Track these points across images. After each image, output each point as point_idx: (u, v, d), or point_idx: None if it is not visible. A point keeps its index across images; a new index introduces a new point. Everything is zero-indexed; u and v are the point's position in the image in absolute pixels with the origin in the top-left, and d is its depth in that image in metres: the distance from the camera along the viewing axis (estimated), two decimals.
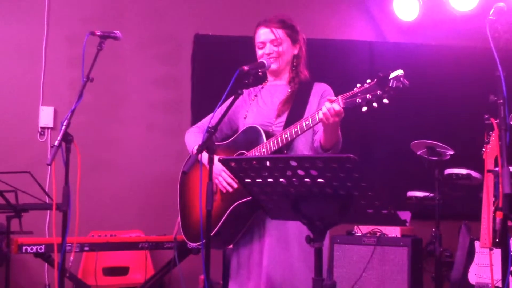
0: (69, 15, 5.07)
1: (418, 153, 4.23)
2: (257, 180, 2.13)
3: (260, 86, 3.00)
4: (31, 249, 3.58)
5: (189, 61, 5.25)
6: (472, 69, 4.95)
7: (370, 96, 2.36)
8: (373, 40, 5.47)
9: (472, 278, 3.83)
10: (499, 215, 2.49)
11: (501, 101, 2.42)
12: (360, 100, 2.39)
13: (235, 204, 2.75)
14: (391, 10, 5.37)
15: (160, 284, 4.38)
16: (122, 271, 4.78)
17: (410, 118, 5.05)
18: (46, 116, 4.93)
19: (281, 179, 2.08)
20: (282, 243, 2.75)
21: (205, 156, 2.63)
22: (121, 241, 3.98)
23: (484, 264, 3.76)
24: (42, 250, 3.60)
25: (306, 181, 2.03)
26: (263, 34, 2.88)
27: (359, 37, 5.49)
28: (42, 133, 4.94)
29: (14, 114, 4.92)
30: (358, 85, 2.42)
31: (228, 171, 2.61)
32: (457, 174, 4.24)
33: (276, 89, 2.94)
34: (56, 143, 2.68)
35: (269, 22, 2.89)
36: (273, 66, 2.87)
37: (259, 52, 2.90)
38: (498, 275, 3.02)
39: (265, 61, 2.82)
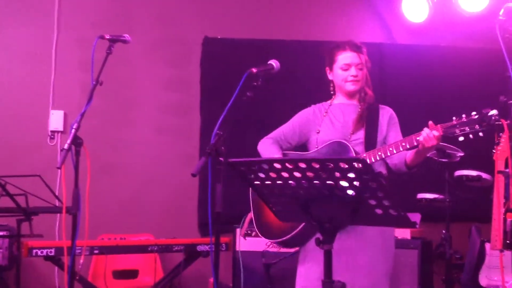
0: (79, 19, 5.09)
1: (428, 155, 4.20)
2: (266, 182, 2.13)
3: (328, 103, 3.12)
4: (41, 252, 3.60)
5: (198, 64, 5.26)
6: (482, 70, 4.92)
7: (468, 129, 2.59)
8: (382, 42, 5.46)
9: (483, 280, 3.81)
10: (510, 217, 2.48)
11: (511, 102, 2.40)
12: (458, 132, 2.62)
13: None
14: (400, 12, 5.35)
15: (169, 286, 4.38)
16: (131, 274, 4.79)
17: (419, 120, 5.00)
18: (56, 119, 4.95)
19: (290, 181, 2.08)
20: (360, 242, 2.82)
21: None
22: (130, 244, 3.99)
23: (495, 266, 3.74)
24: (52, 254, 3.62)
25: (316, 183, 2.02)
26: (350, 57, 3.01)
27: (368, 39, 5.46)
28: (52, 136, 4.96)
29: (24, 118, 4.94)
30: (454, 117, 2.64)
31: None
32: (467, 176, 4.22)
33: (347, 108, 3.07)
34: (66, 146, 2.70)
35: (355, 47, 3.03)
36: (352, 88, 3.02)
37: (343, 74, 3.00)
38: (508, 277, 3.00)
39: (273, 63, 2.82)
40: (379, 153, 2.81)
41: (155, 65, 5.21)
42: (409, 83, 5.21)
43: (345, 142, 2.91)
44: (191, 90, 5.24)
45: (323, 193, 2.05)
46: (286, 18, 5.41)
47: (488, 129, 2.55)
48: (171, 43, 5.27)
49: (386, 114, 3.05)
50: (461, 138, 2.63)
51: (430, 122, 2.71)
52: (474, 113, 2.58)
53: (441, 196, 4.18)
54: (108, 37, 2.97)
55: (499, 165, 3.01)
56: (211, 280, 4.41)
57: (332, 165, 1.95)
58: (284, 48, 5.06)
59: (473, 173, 4.19)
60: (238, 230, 4.17)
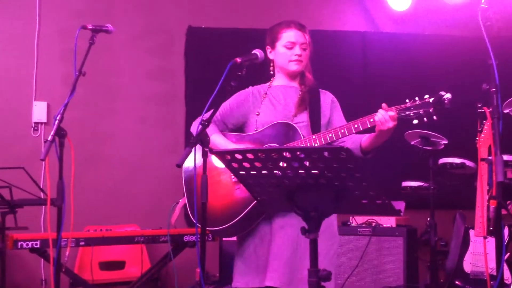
0: (61, 9, 5.05)
1: (412, 143, 4.23)
2: (252, 172, 2.13)
3: (267, 85, 3.05)
4: (27, 244, 3.58)
5: (182, 53, 5.24)
6: (465, 58, 4.95)
7: (422, 112, 2.57)
8: (366, 30, 5.47)
9: (467, 266, 3.85)
10: (493, 204, 2.50)
11: (494, 89, 2.42)
12: (412, 114, 2.60)
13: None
14: (384, 0, 5.36)
15: (156, 277, 4.38)
16: (118, 265, 4.78)
17: None
18: (39, 111, 4.92)
19: (275, 171, 2.08)
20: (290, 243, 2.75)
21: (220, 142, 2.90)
22: (116, 235, 3.98)
23: (479, 253, 3.78)
24: (38, 246, 3.60)
25: (301, 172, 2.03)
26: (296, 35, 2.95)
27: (352, 28, 5.49)
28: (35, 128, 4.93)
29: (7, 110, 4.90)
30: (407, 100, 2.61)
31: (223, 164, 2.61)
32: (451, 164, 4.25)
33: (288, 90, 3.00)
34: (50, 138, 2.67)
35: (301, 26, 2.99)
36: (295, 68, 2.95)
37: (287, 53, 2.94)
38: (492, 263, 3.03)
39: (257, 53, 2.81)
40: (330, 135, 2.73)
41: (139, 55, 5.18)
42: (392, 71, 5.23)
43: (292, 124, 2.84)
44: (176, 80, 5.22)
45: (308, 182, 2.06)
46: (270, 7, 5.39)
47: (442, 113, 2.52)
48: (155, 32, 5.24)
49: (328, 98, 2.99)
50: (415, 121, 2.58)
51: (384, 104, 2.64)
52: (427, 96, 2.55)
53: (426, 184, 4.21)
54: (90, 27, 2.94)
55: (482, 153, 3.04)
56: (198, 270, 4.42)
57: (316, 155, 1.96)
58: None
59: (457, 160, 4.22)
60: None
